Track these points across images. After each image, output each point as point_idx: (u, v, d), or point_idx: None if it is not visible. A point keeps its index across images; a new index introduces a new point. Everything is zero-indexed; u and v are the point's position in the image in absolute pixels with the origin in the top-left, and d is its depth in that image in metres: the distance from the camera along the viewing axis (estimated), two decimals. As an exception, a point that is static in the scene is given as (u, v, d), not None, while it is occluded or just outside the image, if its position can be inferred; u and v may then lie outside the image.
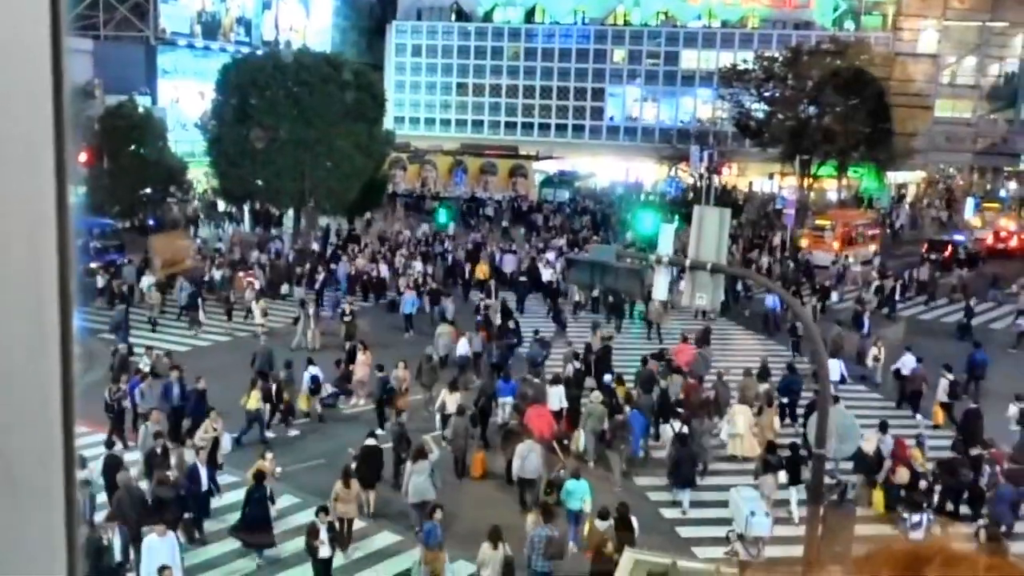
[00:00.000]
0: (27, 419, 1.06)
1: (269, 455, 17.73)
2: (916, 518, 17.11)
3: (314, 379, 23.04)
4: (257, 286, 33.88)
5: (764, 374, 23.97)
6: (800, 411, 22.71)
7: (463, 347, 26.03)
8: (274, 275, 37.51)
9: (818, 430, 13.25)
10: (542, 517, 15.26)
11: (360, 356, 24.55)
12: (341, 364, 24.52)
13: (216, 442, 18.90)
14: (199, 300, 31.79)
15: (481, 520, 16.21)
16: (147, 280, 33.25)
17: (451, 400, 21.39)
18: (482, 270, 37.95)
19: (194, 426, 19.73)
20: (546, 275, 37.24)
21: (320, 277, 35.64)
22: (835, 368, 23.36)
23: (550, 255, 40.64)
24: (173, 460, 17.59)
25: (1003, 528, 17.11)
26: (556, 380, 22.42)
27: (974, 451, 19.16)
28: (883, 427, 19.52)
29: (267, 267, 38.72)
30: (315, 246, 44.27)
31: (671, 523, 18.41)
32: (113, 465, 16.83)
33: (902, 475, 17.91)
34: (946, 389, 23.79)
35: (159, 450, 17.68)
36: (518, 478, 18.22)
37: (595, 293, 33.66)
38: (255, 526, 16.07)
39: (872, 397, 26.19)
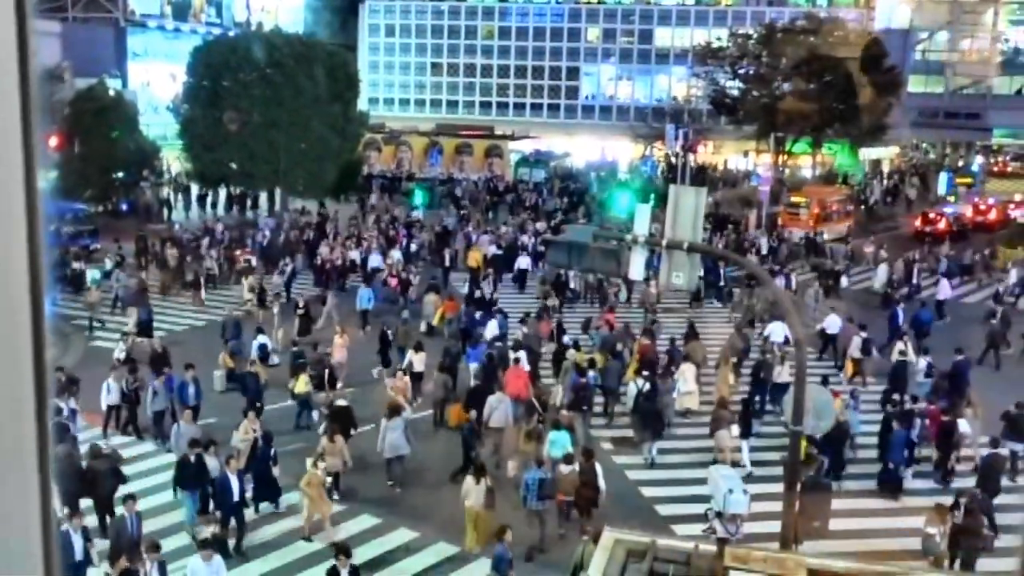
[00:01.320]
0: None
1: (322, 464, 16.50)
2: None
3: (262, 347, 24.00)
4: (253, 263, 35.07)
5: (691, 334, 25.74)
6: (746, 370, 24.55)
7: None
8: (271, 253, 37.12)
9: (794, 407, 13.33)
10: (535, 461, 16.72)
11: (337, 339, 24.48)
12: (316, 348, 24.41)
13: (256, 444, 17.76)
14: (201, 279, 32.36)
15: (457, 462, 18.79)
16: (92, 274, 32.53)
17: (417, 359, 23.09)
18: (475, 257, 36.17)
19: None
20: (522, 262, 36.26)
21: (288, 267, 33.42)
22: (779, 330, 25.55)
23: (525, 238, 40.09)
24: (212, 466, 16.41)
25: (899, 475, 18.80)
26: (517, 345, 23.66)
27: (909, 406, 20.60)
28: (824, 381, 19.96)
29: (262, 246, 38.41)
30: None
31: (650, 501, 18.52)
32: (96, 455, 16.69)
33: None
34: (858, 346, 25.47)
35: (193, 458, 16.38)
36: (487, 427, 19.69)
37: (589, 279, 33.37)
38: None
39: (814, 357, 25.99)
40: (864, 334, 25.89)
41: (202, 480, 16.22)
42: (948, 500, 16.32)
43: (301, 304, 27.91)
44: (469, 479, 16.23)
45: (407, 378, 22.12)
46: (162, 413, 20.19)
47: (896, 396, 22.57)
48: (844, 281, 36.48)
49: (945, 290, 33.80)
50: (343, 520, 17.14)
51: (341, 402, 19.92)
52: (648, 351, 24.26)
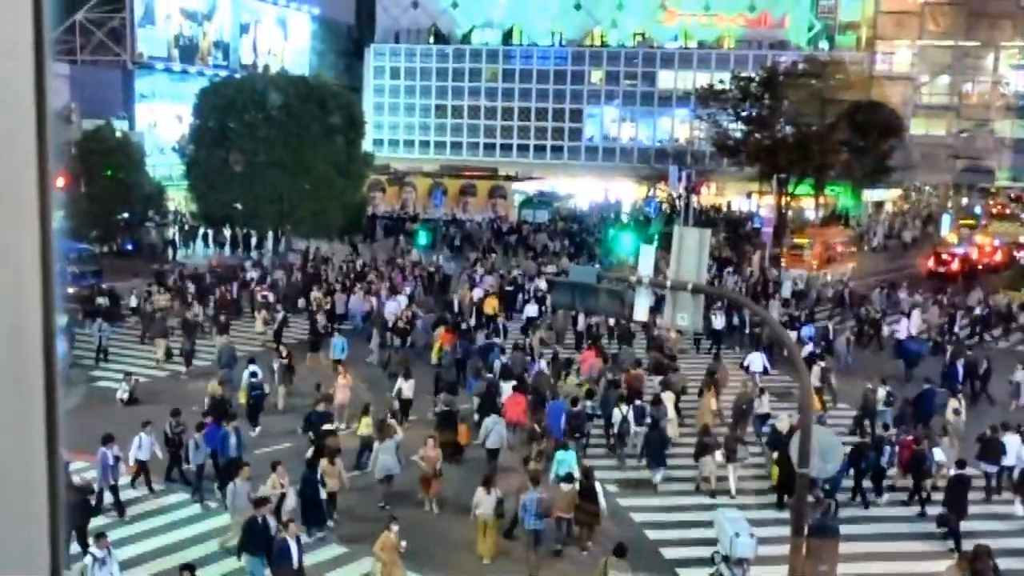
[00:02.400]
0: (10, 439, 1.03)
1: (395, 527, 15.40)
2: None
3: (253, 374, 24.45)
4: (271, 299, 35.45)
5: (669, 366, 26.66)
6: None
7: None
8: (290, 291, 37.26)
9: (800, 449, 13.25)
10: (531, 482, 17.36)
11: (340, 380, 24.47)
12: (320, 387, 24.33)
13: (282, 499, 17.23)
14: (222, 316, 32.29)
15: (470, 477, 19.86)
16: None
17: (407, 387, 24.17)
18: (491, 304, 35.16)
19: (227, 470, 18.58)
20: (530, 310, 34.95)
21: (279, 316, 32.36)
22: (758, 360, 27.65)
23: (533, 284, 39.12)
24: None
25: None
26: (506, 375, 24.88)
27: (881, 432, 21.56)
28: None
29: (279, 284, 38.72)
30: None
31: (655, 544, 18.35)
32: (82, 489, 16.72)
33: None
34: (817, 375, 25.78)
35: (260, 520, 15.48)
36: (485, 448, 21.04)
37: (611, 323, 33.03)
38: None
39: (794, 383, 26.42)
40: (823, 363, 27.00)
41: (268, 543, 15.40)
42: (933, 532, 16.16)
43: (284, 353, 26.59)
44: (480, 490, 17.19)
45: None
46: (202, 467, 19.67)
47: (866, 423, 23.59)
48: (885, 329, 34.82)
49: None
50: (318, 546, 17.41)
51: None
52: (634, 381, 25.00)
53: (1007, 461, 20.49)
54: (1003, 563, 15.52)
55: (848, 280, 45.07)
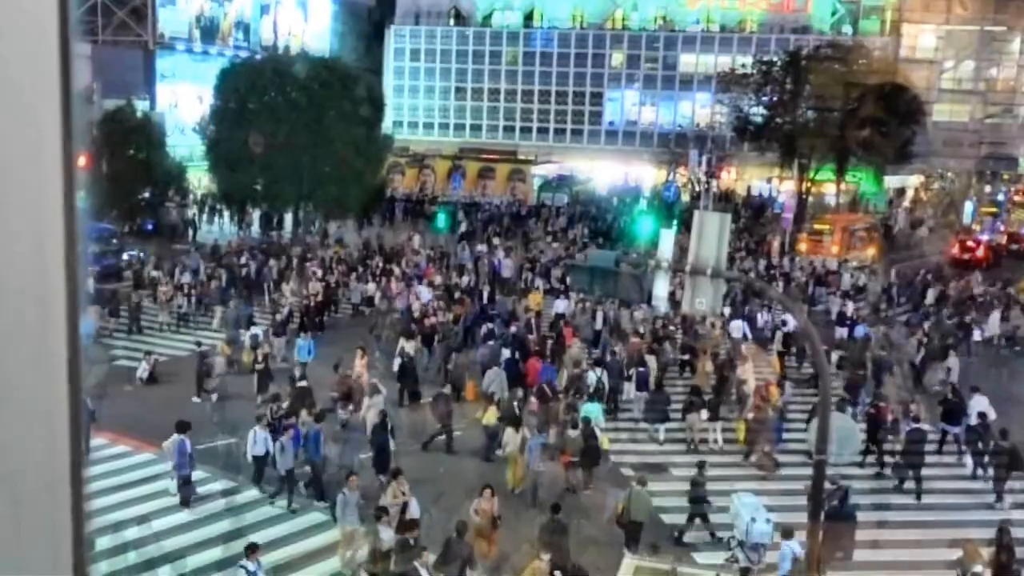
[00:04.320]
0: (34, 428, 1.04)
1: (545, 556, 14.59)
2: (767, 447, 21.92)
3: (254, 337, 26.69)
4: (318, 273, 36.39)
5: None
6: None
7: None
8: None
9: (819, 435, 13.19)
10: (538, 430, 20.72)
11: (358, 361, 24.53)
12: (337, 369, 24.39)
13: (404, 508, 16.28)
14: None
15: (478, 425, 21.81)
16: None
17: (409, 346, 25.91)
18: (535, 299, 33.87)
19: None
20: (559, 306, 32.71)
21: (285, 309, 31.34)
22: (738, 328, 30.23)
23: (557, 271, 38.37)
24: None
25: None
26: (505, 343, 26.89)
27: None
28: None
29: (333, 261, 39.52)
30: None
31: (671, 528, 18.36)
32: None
33: (761, 411, 22.76)
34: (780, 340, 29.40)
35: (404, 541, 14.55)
36: (489, 394, 22.88)
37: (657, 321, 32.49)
38: None
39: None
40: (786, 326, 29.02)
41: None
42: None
43: (260, 357, 25.05)
44: (509, 429, 19.64)
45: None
46: (291, 471, 18.58)
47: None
48: (976, 334, 31.80)
49: None
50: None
51: (302, 383, 22.46)
52: (636, 349, 27.21)
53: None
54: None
55: (872, 266, 44.71)
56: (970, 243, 50.56)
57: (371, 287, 34.87)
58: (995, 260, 48.42)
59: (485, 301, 33.71)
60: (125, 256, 38.92)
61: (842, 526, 14.66)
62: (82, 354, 1.09)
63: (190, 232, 49.67)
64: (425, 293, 33.36)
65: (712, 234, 14.76)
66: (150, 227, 48.11)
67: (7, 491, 1.04)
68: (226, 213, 52.76)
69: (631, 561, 13.59)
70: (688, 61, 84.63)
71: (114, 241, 40.41)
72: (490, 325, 29.06)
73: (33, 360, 1.06)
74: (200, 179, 54.63)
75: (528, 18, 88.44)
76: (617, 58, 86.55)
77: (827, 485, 15.13)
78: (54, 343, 1.07)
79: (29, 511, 1.06)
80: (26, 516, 1.05)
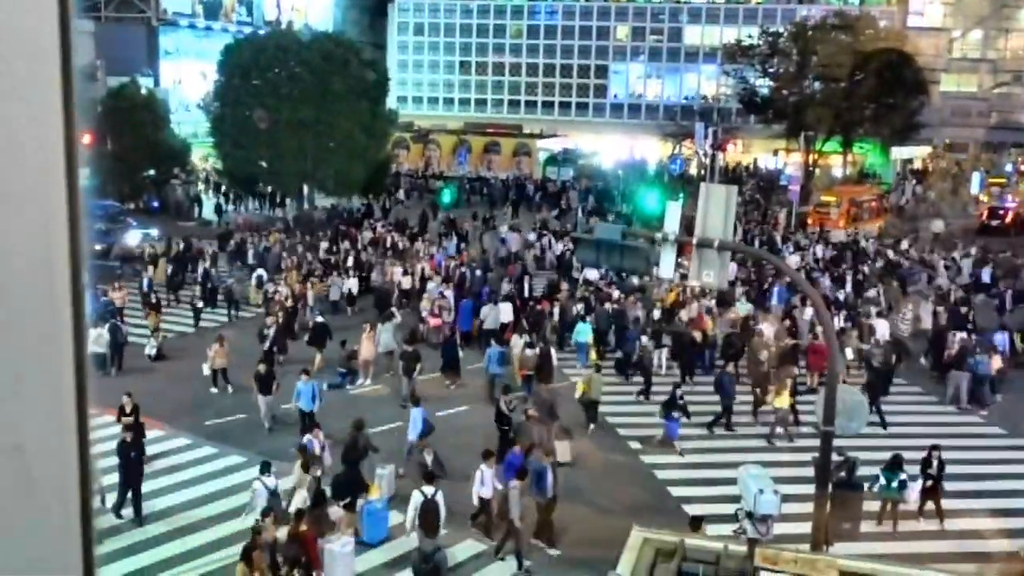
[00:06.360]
0: (41, 414, 1.03)
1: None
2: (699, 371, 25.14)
3: (259, 277, 31.10)
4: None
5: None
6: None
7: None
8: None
9: (826, 407, 13.22)
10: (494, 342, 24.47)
11: (365, 335, 24.55)
12: (345, 344, 24.46)
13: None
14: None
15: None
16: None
17: (406, 281, 30.76)
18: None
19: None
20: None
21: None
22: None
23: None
24: None
25: None
26: (506, 298, 28.83)
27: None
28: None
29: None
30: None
31: (677, 501, 18.42)
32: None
33: (696, 336, 25.96)
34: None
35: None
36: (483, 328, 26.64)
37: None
38: None
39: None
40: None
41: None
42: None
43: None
44: (520, 341, 23.87)
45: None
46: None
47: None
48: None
49: None
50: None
51: (319, 319, 25.95)
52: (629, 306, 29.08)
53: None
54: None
55: (879, 238, 44.55)
56: (1000, 211, 51.30)
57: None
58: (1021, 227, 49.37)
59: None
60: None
61: (849, 496, 14.68)
62: (87, 332, 1.08)
63: (196, 210, 49.66)
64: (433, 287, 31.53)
65: (718, 207, 14.72)
66: (155, 205, 48.12)
67: (12, 484, 1.03)
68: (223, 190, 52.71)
69: (639, 533, 13.63)
70: (694, 33, 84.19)
71: (121, 218, 40.42)
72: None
73: (38, 342, 1.05)
74: (204, 156, 54.61)
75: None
76: (622, 31, 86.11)
77: (834, 456, 15.17)
78: (59, 327, 1.06)
79: (36, 512, 1.05)
80: (35, 511, 1.05)
